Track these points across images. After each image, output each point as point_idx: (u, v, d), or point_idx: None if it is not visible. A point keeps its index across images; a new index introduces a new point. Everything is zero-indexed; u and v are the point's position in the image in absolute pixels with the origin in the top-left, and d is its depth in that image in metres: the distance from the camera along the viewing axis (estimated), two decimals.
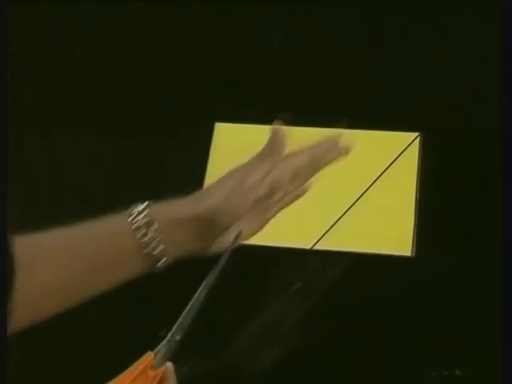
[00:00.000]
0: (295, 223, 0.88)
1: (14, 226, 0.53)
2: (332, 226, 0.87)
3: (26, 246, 0.60)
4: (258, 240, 0.87)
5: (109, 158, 0.79)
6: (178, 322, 0.65)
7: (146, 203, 0.65)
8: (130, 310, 0.86)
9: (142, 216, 0.64)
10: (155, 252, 0.65)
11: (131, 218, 0.64)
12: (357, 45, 1.02)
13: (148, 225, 0.65)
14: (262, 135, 0.94)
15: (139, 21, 1.10)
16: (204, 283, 0.69)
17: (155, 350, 0.63)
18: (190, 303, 0.67)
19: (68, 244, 0.64)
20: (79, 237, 0.65)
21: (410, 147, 0.90)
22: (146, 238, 0.64)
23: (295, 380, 0.83)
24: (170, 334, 0.63)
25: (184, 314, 0.66)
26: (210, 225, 0.68)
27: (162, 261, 0.66)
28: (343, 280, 0.86)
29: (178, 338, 0.63)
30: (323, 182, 0.90)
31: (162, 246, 0.65)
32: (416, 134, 0.91)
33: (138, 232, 0.64)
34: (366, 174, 0.89)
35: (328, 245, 0.87)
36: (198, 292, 0.68)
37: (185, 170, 0.96)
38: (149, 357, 0.62)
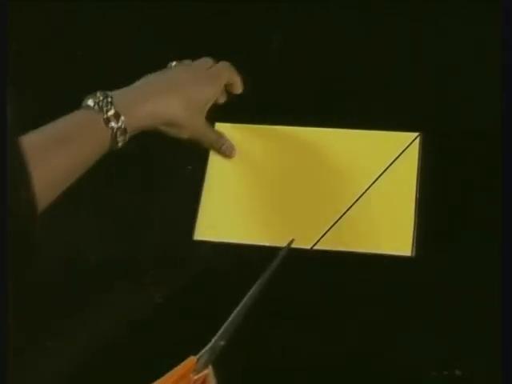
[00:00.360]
0: (294, 223, 0.88)
1: None
2: (332, 227, 0.87)
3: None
4: (256, 240, 0.87)
5: (106, 156, 0.79)
6: (224, 327, 0.66)
7: (106, 95, 0.78)
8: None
9: (110, 108, 0.77)
10: (121, 134, 0.77)
11: (99, 110, 0.77)
12: (357, 45, 1.02)
13: (116, 116, 0.77)
14: (261, 135, 0.95)
15: (139, 21, 1.10)
16: (252, 289, 0.69)
17: (198, 355, 0.63)
18: (237, 309, 0.66)
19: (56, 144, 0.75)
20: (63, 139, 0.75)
21: (410, 147, 0.90)
22: (113, 125, 0.77)
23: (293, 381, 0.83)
24: (214, 339, 0.65)
25: (230, 319, 0.67)
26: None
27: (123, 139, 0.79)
28: (343, 280, 0.86)
29: (222, 343, 0.65)
30: (323, 182, 0.90)
31: (127, 134, 0.78)
32: (416, 133, 0.91)
33: (107, 121, 0.77)
34: (365, 174, 0.89)
35: (327, 245, 0.87)
36: (246, 298, 0.68)
37: (184, 170, 0.96)
38: (191, 361, 0.63)
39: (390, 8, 1.03)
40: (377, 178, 0.89)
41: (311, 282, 0.86)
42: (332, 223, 0.87)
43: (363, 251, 0.85)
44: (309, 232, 0.87)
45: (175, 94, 0.83)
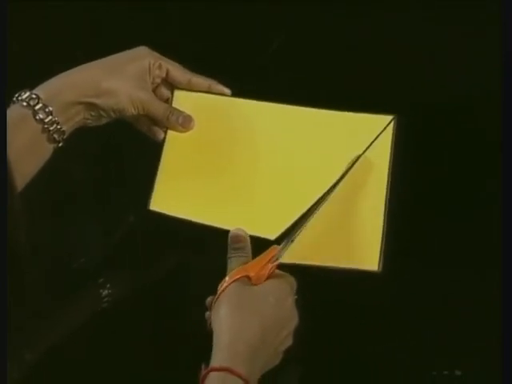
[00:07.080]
0: (253, 216, 0.81)
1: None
2: (289, 242, 0.76)
3: None
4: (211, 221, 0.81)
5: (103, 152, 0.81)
6: (293, 231, 0.75)
7: (32, 92, 0.79)
8: None
9: (37, 103, 0.78)
10: (56, 130, 0.78)
11: (27, 106, 0.78)
12: (357, 45, 1.02)
13: (44, 109, 0.78)
14: (226, 107, 0.87)
15: (139, 21, 1.10)
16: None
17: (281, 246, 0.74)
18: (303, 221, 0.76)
19: None
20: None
21: (383, 132, 0.80)
22: (46, 120, 0.78)
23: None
24: (286, 239, 0.75)
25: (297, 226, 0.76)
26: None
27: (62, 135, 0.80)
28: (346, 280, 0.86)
29: (292, 239, 0.75)
30: (289, 167, 0.82)
31: (60, 127, 0.79)
32: (390, 116, 0.81)
33: (38, 116, 0.78)
34: (334, 165, 0.80)
35: (286, 258, 0.75)
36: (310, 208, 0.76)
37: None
38: (275, 249, 0.74)
39: (389, 7, 1.03)
40: (343, 175, 0.79)
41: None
42: (293, 222, 0.77)
43: (325, 265, 0.75)
44: (269, 227, 0.78)
45: (93, 65, 0.83)
